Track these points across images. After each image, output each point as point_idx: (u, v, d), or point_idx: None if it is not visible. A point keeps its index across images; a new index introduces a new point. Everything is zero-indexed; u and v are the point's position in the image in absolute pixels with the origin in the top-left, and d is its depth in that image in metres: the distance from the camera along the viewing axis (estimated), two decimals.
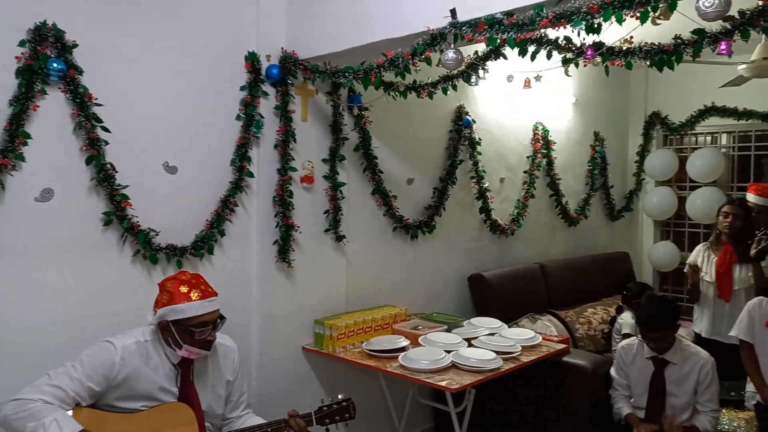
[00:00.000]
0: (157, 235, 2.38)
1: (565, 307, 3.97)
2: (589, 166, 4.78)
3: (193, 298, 1.91)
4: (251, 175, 2.69)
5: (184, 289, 1.91)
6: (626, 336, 3.33)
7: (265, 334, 2.77)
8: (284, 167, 2.76)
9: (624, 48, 1.98)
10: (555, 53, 2.04)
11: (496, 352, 2.65)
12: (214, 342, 2.01)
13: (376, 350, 2.70)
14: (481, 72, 2.34)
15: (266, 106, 2.72)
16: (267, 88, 2.71)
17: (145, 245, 2.34)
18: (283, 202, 2.76)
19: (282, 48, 2.72)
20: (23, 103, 2.02)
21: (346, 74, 2.46)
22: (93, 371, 1.80)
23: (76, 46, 2.13)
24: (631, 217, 5.21)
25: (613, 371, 2.77)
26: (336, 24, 2.54)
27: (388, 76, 2.45)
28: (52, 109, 2.11)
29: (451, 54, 2.06)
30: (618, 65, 2.04)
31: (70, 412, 1.73)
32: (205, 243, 2.54)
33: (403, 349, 2.71)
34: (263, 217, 2.75)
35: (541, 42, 1.99)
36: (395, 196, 3.31)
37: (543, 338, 3.01)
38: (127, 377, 1.86)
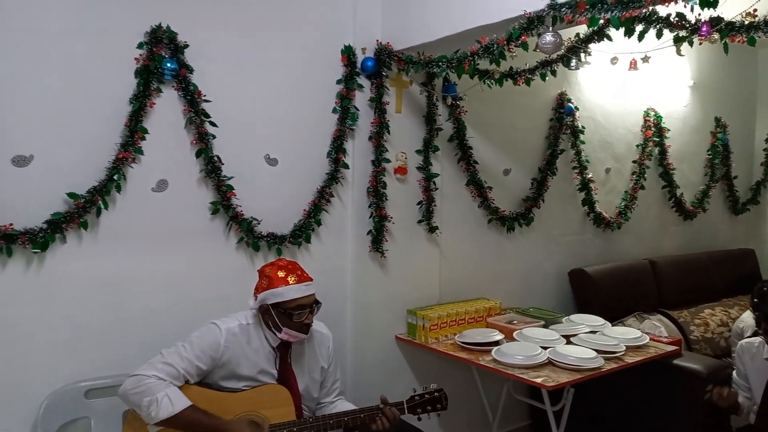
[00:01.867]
0: (259, 223, 2.50)
1: (678, 307, 3.69)
2: (709, 154, 4.38)
3: (291, 282, 1.99)
4: (346, 166, 2.75)
5: (281, 273, 2.00)
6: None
7: (359, 322, 2.83)
8: (378, 158, 2.79)
9: (746, 22, 1.78)
10: (666, 32, 1.88)
11: (597, 351, 2.51)
12: (311, 327, 2.08)
13: (469, 343, 2.66)
14: (582, 55, 2.21)
15: (361, 99, 2.76)
16: (362, 80, 2.75)
17: (248, 233, 2.47)
18: (376, 193, 2.79)
19: (377, 40, 2.74)
20: (141, 101, 2.20)
21: (440, 63, 2.43)
22: (201, 351, 1.93)
23: (187, 46, 2.28)
24: (757, 211, 4.72)
25: (734, 372, 2.53)
26: (430, 13, 2.52)
27: (483, 64, 2.39)
28: (167, 106, 2.28)
29: (548, 37, 1.96)
30: (739, 42, 1.84)
31: (179, 389, 1.86)
32: (302, 232, 2.63)
33: (497, 342, 2.65)
34: (358, 207, 2.80)
35: (650, 20, 1.84)
36: (491, 187, 3.23)
37: (651, 339, 2.81)
38: (230, 358, 1.97)
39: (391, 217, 2.82)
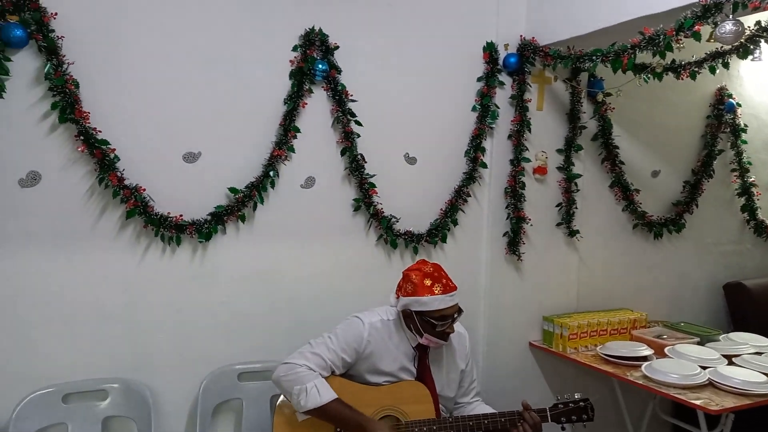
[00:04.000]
0: (397, 221, 2.53)
1: None
2: None
3: (436, 292, 1.97)
4: (484, 165, 2.69)
5: (427, 282, 1.98)
6: None
7: (492, 325, 2.76)
8: (517, 158, 2.70)
9: None
10: None
11: (766, 374, 2.25)
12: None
13: (613, 355, 2.50)
14: (764, 45, 1.98)
15: (501, 96, 2.69)
16: (503, 77, 2.68)
17: (387, 230, 2.50)
18: (515, 193, 2.71)
19: (521, 36, 2.66)
20: (295, 101, 2.30)
21: (593, 58, 2.30)
22: (346, 344, 1.98)
23: (337, 47, 2.36)
24: None
25: None
26: (580, 6, 2.40)
27: (640, 58, 2.23)
28: (317, 106, 2.37)
29: (729, 26, 1.77)
30: None
31: (326, 381, 1.92)
32: (439, 231, 2.62)
33: (645, 358, 2.46)
34: (494, 208, 2.74)
35: None
36: (637, 190, 3.01)
37: None
38: (373, 351, 2.00)
39: (530, 219, 2.72)
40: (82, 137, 1.96)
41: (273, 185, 2.30)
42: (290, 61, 2.31)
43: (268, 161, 2.27)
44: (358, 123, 2.43)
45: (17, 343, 1.96)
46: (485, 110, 2.66)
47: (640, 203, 3.02)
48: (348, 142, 2.41)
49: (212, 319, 2.24)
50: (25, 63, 1.91)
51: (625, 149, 2.96)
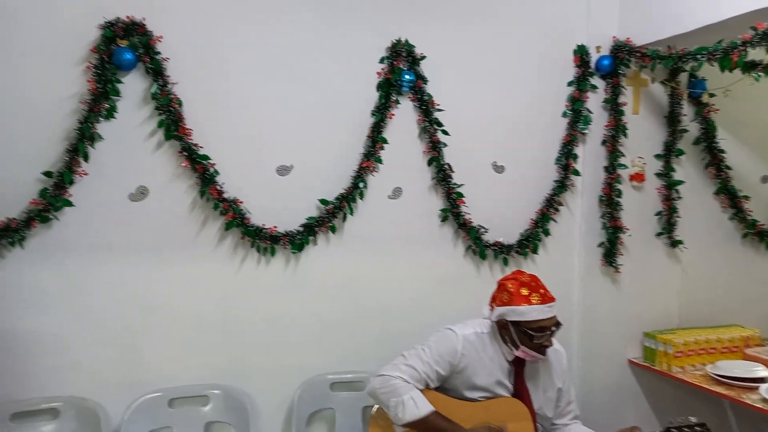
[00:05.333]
0: (486, 232, 2.47)
1: None
2: None
3: (534, 301, 1.90)
4: (577, 173, 2.59)
5: (524, 291, 1.92)
6: None
7: (587, 341, 2.63)
8: (612, 164, 2.58)
9: None
10: None
11: None
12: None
13: (726, 376, 2.30)
14: None
15: (594, 101, 2.59)
16: (596, 81, 2.58)
17: (475, 241, 2.45)
18: (610, 201, 2.58)
19: (613, 37, 2.55)
20: (382, 112, 2.31)
21: (698, 57, 2.16)
22: (439, 356, 1.94)
23: (423, 57, 2.35)
24: None
25: None
26: (681, 4, 2.27)
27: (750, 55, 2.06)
28: (403, 117, 2.37)
29: None
30: None
31: (422, 393, 1.89)
32: (529, 242, 2.53)
33: (762, 379, 2.26)
34: (588, 217, 2.62)
35: None
36: (746, 197, 2.79)
37: None
38: (467, 365, 1.95)
39: (627, 229, 2.58)
40: (185, 153, 2.06)
41: (362, 196, 2.31)
42: (377, 72, 2.32)
43: (356, 172, 2.29)
44: (445, 132, 2.40)
45: (126, 349, 2.07)
46: (577, 115, 2.56)
47: (750, 211, 2.79)
48: (435, 152, 2.39)
49: (304, 328, 2.27)
50: (134, 84, 2.03)
51: (731, 153, 2.75)
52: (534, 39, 2.55)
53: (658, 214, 2.66)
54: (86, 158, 1.96)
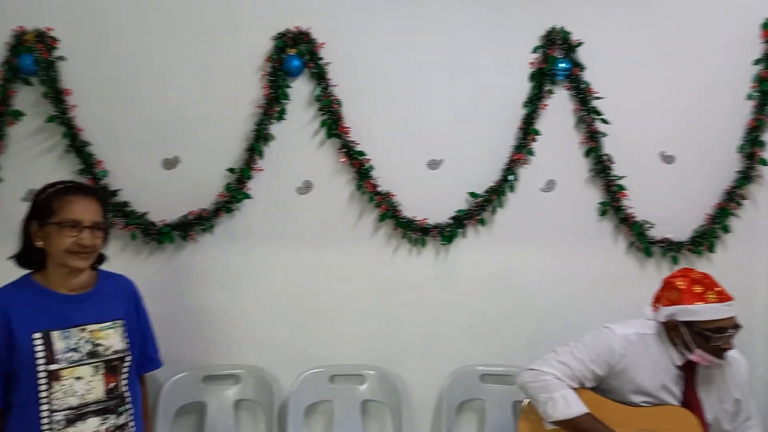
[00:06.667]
0: (652, 227, 2.29)
1: None
2: None
3: (710, 299, 1.73)
4: (764, 162, 2.28)
5: (698, 289, 1.75)
6: None
7: None
8: None
9: None
10: None
11: None
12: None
13: None
14: None
15: None
16: None
17: (639, 237, 2.28)
18: None
19: None
20: (535, 103, 2.26)
21: None
22: (596, 355, 1.85)
23: (580, 44, 2.25)
24: None
25: None
26: None
27: None
28: (557, 107, 2.29)
29: None
30: None
31: (575, 392, 1.82)
32: (704, 239, 2.30)
33: None
34: None
35: None
36: None
37: None
38: (627, 366, 1.83)
39: None
40: (344, 150, 2.22)
41: (512, 189, 2.29)
42: (530, 63, 2.28)
43: (507, 165, 2.28)
44: (604, 121, 2.27)
45: (296, 327, 2.29)
46: (765, 98, 2.26)
47: None
48: (593, 142, 2.28)
49: (454, 319, 2.32)
50: (301, 88, 2.24)
51: None
52: (712, 14, 2.30)
53: None
54: (261, 156, 2.21)
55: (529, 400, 1.89)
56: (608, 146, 2.29)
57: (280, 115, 2.21)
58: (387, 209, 2.23)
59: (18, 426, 1.50)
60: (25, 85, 2.13)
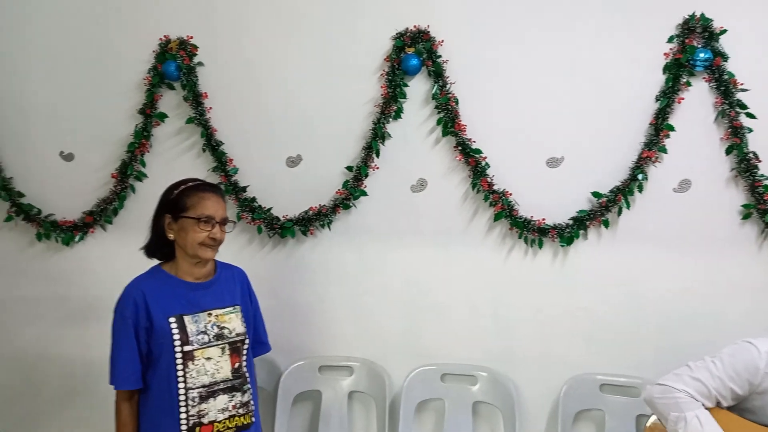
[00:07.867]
0: None
1: None
2: None
3: None
4: None
5: None
6: None
7: None
8: None
9: None
10: None
11: None
12: None
13: None
14: None
15: None
16: None
17: None
18: None
19: None
20: (669, 96, 2.09)
21: None
22: (735, 372, 1.68)
23: (724, 31, 2.05)
24: None
25: None
26: None
27: None
28: (695, 100, 2.10)
29: None
30: None
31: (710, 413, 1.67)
32: None
33: None
34: None
35: None
36: None
37: None
38: None
39: None
40: (459, 147, 2.20)
41: (641, 189, 2.14)
42: (664, 54, 2.11)
43: (635, 163, 2.13)
44: (751, 116, 2.06)
45: (409, 323, 2.32)
46: None
47: None
48: (736, 139, 2.07)
49: (572, 324, 2.22)
50: (418, 87, 2.25)
51: None
52: None
53: None
54: (378, 154, 2.25)
55: (655, 417, 1.76)
56: (754, 143, 2.07)
57: (397, 114, 2.24)
58: (502, 208, 2.19)
59: (157, 404, 1.65)
60: (169, 90, 2.35)
